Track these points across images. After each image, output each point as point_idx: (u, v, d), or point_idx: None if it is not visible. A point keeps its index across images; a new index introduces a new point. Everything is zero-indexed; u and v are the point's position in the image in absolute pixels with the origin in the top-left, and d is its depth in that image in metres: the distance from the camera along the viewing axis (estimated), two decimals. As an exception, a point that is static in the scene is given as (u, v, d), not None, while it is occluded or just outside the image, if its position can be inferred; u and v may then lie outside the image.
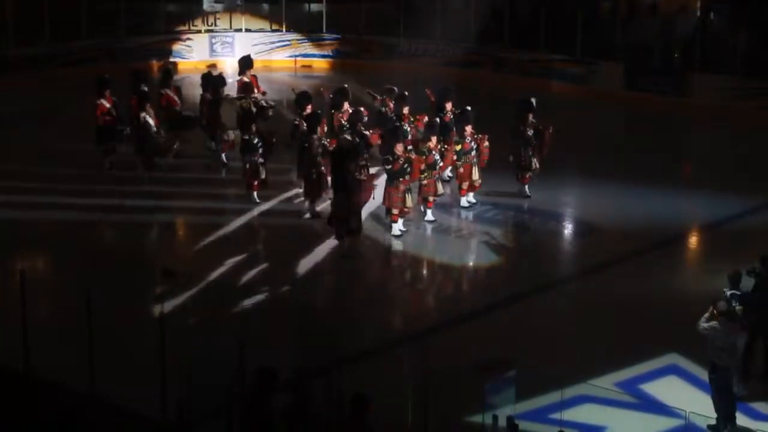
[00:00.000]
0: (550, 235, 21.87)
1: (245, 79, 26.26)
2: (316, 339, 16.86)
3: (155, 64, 34.04)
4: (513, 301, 18.60)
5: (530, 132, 22.56)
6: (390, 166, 20.50)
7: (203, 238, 21.00)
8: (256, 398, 12.30)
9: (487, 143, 22.14)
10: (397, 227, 20.83)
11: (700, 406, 14.52)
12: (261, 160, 22.27)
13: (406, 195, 20.64)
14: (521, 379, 13.62)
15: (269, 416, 12.11)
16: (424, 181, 21.21)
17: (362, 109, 22.86)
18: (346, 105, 23.43)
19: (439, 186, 21.56)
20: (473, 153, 22.00)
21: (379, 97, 24.15)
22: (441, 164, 21.58)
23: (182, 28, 38.13)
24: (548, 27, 34.48)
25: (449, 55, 36.14)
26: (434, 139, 21.37)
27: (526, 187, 22.97)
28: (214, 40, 37.75)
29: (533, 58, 35.03)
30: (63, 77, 33.35)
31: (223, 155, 25.23)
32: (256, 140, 22.18)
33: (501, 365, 14.52)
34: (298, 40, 38.06)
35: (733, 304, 14.59)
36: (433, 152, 21.21)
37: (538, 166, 22.73)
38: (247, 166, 22.41)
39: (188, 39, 37.50)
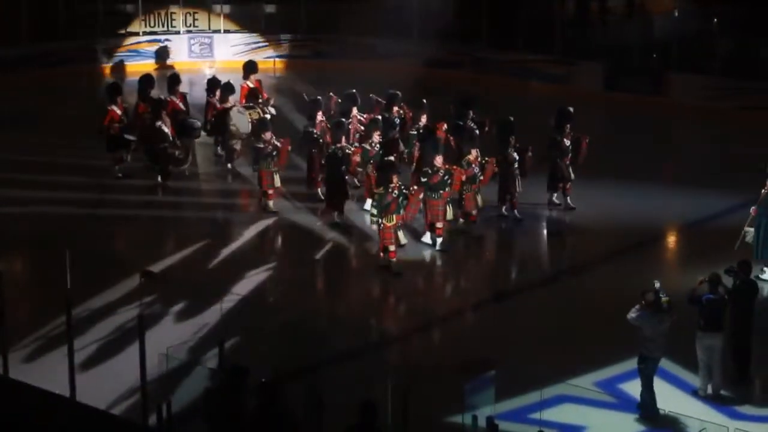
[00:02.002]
0: (530, 234, 21.89)
1: (249, 84, 25.86)
2: (299, 340, 16.82)
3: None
4: (492, 302, 18.61)
5: (567, 142, 22.25)
6: (427, 179, 20.17)
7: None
8: (227, 396, 12.28)
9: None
10: (440, 240, 20.51)
11: (679, 405, 14.59)
12: (275, 168, 21.88)
13: (447, 207, 20.36)
14: (501, 380, 13.62)
15: (239, 415, 12.09)
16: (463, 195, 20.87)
17: (365, 115, 22.86)
18: (354, 110, 23.20)
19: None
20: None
21: (382, 102, 23.80)
22: (481, 177, 21.17)
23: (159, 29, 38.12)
24: (527, 27, 34.56)
25: (427, 55, 36.15)
26: (474, 152, 21.03)
27: (568, 198, 22.61)
28: (192, 41, 37.67)
29: (512, 59, 35.10)
30: (42, 79, 33.27)
31: (232, 164, 24.83)
32: (270, 148, 21.80)
33: (480, 365, 14.55)
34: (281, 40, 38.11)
35: (661, 296, 14.68)
36: (473, 165, 20.89)
37: (572, 176, 22.42)
38: (262, 175, 21.97)
39: (167, 40, 37.42)
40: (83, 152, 25.59)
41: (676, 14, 34.35)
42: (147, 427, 13.27)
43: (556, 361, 15.82)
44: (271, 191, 22.08)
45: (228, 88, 25.29)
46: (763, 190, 19.11)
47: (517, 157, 21.57)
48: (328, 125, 22.68)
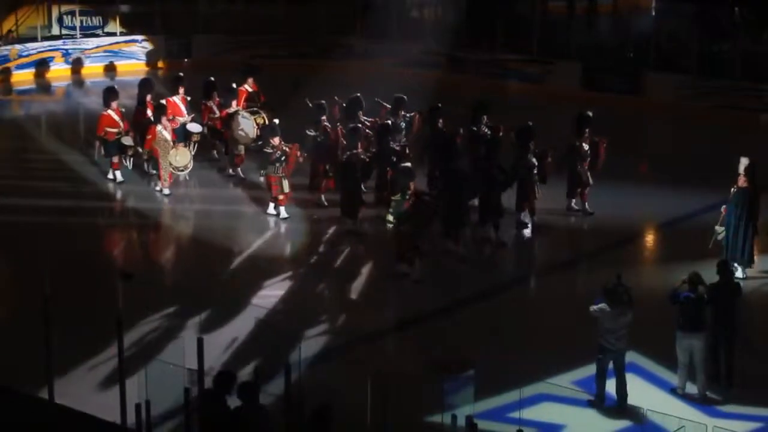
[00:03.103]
0: (507, 234, 21.89)
1: (248, 88, 25.40)
2: (278, 340, 16.80)
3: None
4: (471, 302, 18.63)
5: (586, 147, 22.08)
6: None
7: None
8: (213, 400, 12.31)
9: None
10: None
11: (658, 403, 14.65)
12: (283, 174, 21.64)
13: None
14: (480, 379, 13.66)
15: (225, 418, 12.11)
16: None
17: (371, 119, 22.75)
18: (360, 115, 22.91)
19: None
20: None
21: (387, 106, 23.53)
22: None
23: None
24: (504, 27, 34.62)
25: (406, 55, 36.16)
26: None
27: (587, 204, 22.44)
28: (169, 42, 37.54)
29: (489, 58, 35.15)
30: (17, 80, 33.22)
31: (238, 169, 24.46)
32: (278, 154, 21.55)
33: (460, 365, 14.59)
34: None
35: (622, 290, 14.77)
36: None
37: (591, 181, 22.27)
38: (271, 180, 21.76)
39: (144, 40, 37.32)
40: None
41: (653, 13, 34.50)
42: (125, 428, 13.25)
43: (535, 360, 15.86)
44: (281, 197, 21.76)
45: (232, 94, 24.76)
46: (732, 189, 19.24)
47: (536, 163, 21.32)
48: (343, 131, 22.34)
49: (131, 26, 37.75)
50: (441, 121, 22.71)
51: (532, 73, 34.60)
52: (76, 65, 36.06)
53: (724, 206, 19.37)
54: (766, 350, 16.10)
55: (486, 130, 22.62)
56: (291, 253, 21.16)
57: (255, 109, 24.58)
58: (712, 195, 21.62)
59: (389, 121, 22.53)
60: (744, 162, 19.23)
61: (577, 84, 33.64)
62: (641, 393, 15.13)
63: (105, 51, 36.58)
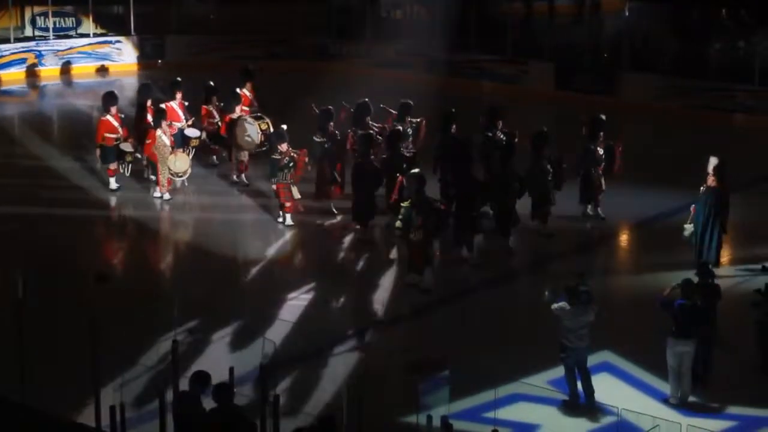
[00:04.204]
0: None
1: (246, 92, 24.91)
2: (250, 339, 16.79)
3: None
4: (446, 302, 18.65)
5: (601, 151, 21.87)
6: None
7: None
8: (190, 401, 12.30)
9: None
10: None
11: (633, 402, 14.69)
12: (291, 180, 21.34)
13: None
14: (455, 379, 13.67)
15: (201, 418, 12.12)
16: None
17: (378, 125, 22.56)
18: (368, 120, 22.56)
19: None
20: None
21: (395, 113, 23.13)
22: None
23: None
24: (478, 28, 34.69)
25: (380, 56, 36.18)
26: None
27: (599, 209, 22.19)
28: (143, 43, 37.44)
29: (464, 59, 35.20)
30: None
31: (243, 176, 24.10)
32: (287, 160, 21.22)
33: (435, 365, 14.59)
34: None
35: (582, 290, 14.85)
36: None
37: (604, 186, 22.09)
38: (279, 187, 21.44)
39: (118, 42, 37.22)
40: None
41: (627, 14, 34.63)
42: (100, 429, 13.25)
43: (510, 359, 15.89)
44: (288, 204, 21.45)
45: (235, 99, 24.28)
46: (701, 188, 19.33)
47: (551, 169, 21.19)
48: (354, 137, 22.05)
49: (105, 27, 37.63)
50: (454, 126, 22.34)
51: (506, 74, 34.68)
52: (51, 67, 35.98)
53: (693, 205, 19.48)
54: (739, 349, 16.14)
55: (501, 136, 22.30)
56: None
57: (259, 114, 24.15)
58: (684, 194, 21.68)
59: (400, 128, 22.15)
60: (713, 161, 19.32)
61: (551, 84, 33.74)
62: (616, 392, 15.18)
63: (78, 52, 36.46)
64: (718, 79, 31.66)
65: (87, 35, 37.12)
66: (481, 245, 20.27)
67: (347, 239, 21.43)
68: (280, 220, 21.76)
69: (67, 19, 37.44)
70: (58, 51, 36.20)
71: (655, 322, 15.64)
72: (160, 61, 36.56)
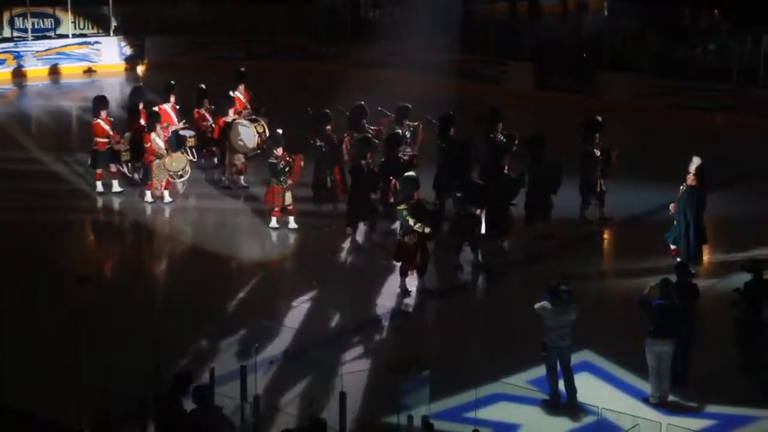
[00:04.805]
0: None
1: (240, 95, 24.68)
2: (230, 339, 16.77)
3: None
4: (426, 302, 18.64)
5: (597, 153, 21.78)
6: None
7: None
8: (170, 402, 12.29)
9: None
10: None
11: (613, 402, 14.72)
12: (287, 185, 21.12)
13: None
14: (436, 379, 13.68)
15: (181, 419, 12.11)
16: None
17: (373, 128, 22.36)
18: (363, 123, 22.34)
19: None
20: None
21: (391, 116, 22.90)
22: None
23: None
24: (459, 27, 34.70)
25: (360, 56, 36.15)
26: None
27: (603, 209, 22.17)
28: (122, 43, 37.35)
29: (444, 59, 35.17)
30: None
31: (241, 178, 23.93)
32: (282, 164, 21.07)
33: (415, 365, 14.60)
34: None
35: (563, 289, 14.89)
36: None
37: (604, 188, 22.02)
38: (274, 191, 21.24)
39: (97, 42, 37.10)
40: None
41: (606, 13, 34.69)
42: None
43: (491, 360, 15.91)
44: (277, 209, 21.31)
45: (229, 102, 24.13)
46: (681, 187, 19.39)
47: (548, 172, 21.06)
48: (350, 140, 21.84)
49: (84, 28, 37.50)
50: (453, 130, 22.15)
51: (486, 74, 34.69)
52: (28, 68, 35.84)
53: (672, 204, 19.53)
54: (718, 348, 16.19)
55: (502, 138, 22.17)
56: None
57: (254, 116, 24.02)
58: (663, 194, 21.71)
59: (398, 131, 22.04)
60: (696, 161, 19.37)
61: (530, 84, 33.79)
62: (596, 391, 15.21)
63: (57, 53, 36.34)
64: (698, 78, 31.74)
65: (66, 36, 36.99)
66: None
67: (341, 242, 21.23)
68: (273, 225, 21.59)
69: (46, 20, 37.26)
70: (37, 52, 36.07)
71: (634, 322, 15.66)
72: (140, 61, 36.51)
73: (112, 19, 37.42)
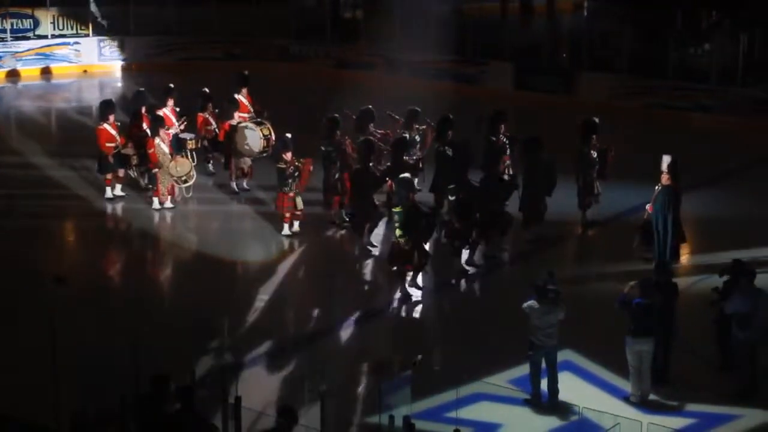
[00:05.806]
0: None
1: (242, 98, 24.48)
2: (213, 341, 16.76)
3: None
4: (406, 302, 18.66)
5: (594, 154, 21.73)
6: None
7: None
8: (150, 404, 12.29)
9: None
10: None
11: (594, 401, 14.77)
12: (296, 190, 20.96)
13: None
14: (417, 379, 13.70)
15: (162, 421, 12.10)
16: None
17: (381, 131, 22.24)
18: (371, 127, 22.12)
19: None
20: None
21: (400, 120, 22.76)
22: None
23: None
24: (438, 28, 34.75)
25: (341, 57, 36.18)
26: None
27: (587, 213, 22.15)
28: (102, 44, 37.27)
29: (423, 59, 35.23)
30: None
31: (244, 182, 23.78)
32: (291, 169, 20.85)
33: (396, 365, 14.63)
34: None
35: (550, 288, 14.95)
36: None
37: (600, 190, 21.98)
38: (284, 197, 21.01)
39: (76, 43, 37.01)
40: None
41: (585, 14, 34.84)
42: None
43: (472, 359, 15.94)
44: (288, 215, 21.15)
45: (234, 105, 24.05)
46: (657, 187, 19.46)
47: (545, 174, 21.06)
48: (353, 144, 21.56)
49: (63, 28, 37.40)
50: (451, 132, 22.00)
51: (466, 74, 34.76)
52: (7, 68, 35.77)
53: (649, 204, 19.60)
54: (698, 348, 16.27)
55: (504, 140, 22.07)
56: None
57: (259, 120, 23.80)
58: (641, 194, 21.78)
59: (406, 135, 21.94)
60: (666, 160, 19.38)
61: (510, 84, 33.87)
62: (577, 391, 15.26)
63: (36, 54, 36.24)
64: (676, 78, 31.89)
65: (45, 36, 36.88)
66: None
67: (347, 246, 21.31)
68: (285, 232, 21.40)
69: (24, 20, 37.14)
70: (16, 53, 35.97)
71: (615, 321, 15.72)
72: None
73: (100, 19, 37.37)
